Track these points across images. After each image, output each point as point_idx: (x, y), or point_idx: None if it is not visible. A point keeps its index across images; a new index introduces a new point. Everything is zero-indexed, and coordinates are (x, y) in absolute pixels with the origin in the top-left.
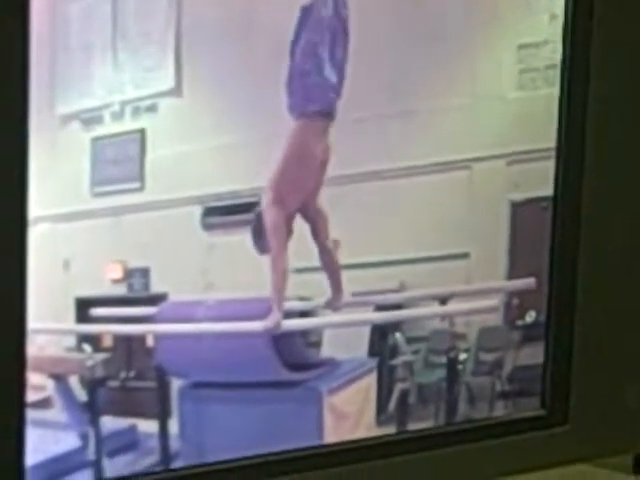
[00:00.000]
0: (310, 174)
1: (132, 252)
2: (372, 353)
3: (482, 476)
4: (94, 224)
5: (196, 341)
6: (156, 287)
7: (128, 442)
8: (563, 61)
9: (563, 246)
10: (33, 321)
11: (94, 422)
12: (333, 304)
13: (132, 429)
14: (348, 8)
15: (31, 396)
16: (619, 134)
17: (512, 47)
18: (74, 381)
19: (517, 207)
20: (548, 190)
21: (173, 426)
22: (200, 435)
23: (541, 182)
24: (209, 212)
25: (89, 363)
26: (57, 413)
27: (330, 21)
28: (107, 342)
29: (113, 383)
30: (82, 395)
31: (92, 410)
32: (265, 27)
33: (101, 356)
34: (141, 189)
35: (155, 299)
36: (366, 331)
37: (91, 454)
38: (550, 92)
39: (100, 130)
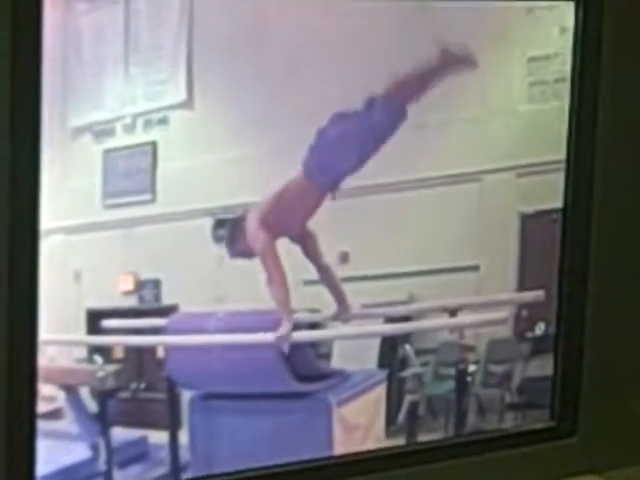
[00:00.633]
0: (298, 214)
1: (143, 264)
2: (382, 365)
3: None
4: (105, 236)
5: (206, 353)
6: (167, 299)
7: (138, 453)
8: (573, 74)
9: (572, 258)
10: (44, 332)
11: (105, 433)
12: (340, 316)
13: (142, 440)
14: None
15: (42, 407)
16: (628, 146)
17: (522, 60)
18: (85, 392)
19: (527, 219)
20: (558, 202)
21: (183, 437)
22: (210, 446)
23: (551, 194)
24: (220, 224)
25: (100, 374)
26: (68, 424)
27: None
28: (118, 353)
29: (124, 394)
30: (93, 406)
31: (103, 421)
32: (276, 40)
33: (112, 367)
34: (152, 201)
35: (166, 311)
36: (376, 343)
37: (102, 465)
38: (560, 105)
39: (112, 142)
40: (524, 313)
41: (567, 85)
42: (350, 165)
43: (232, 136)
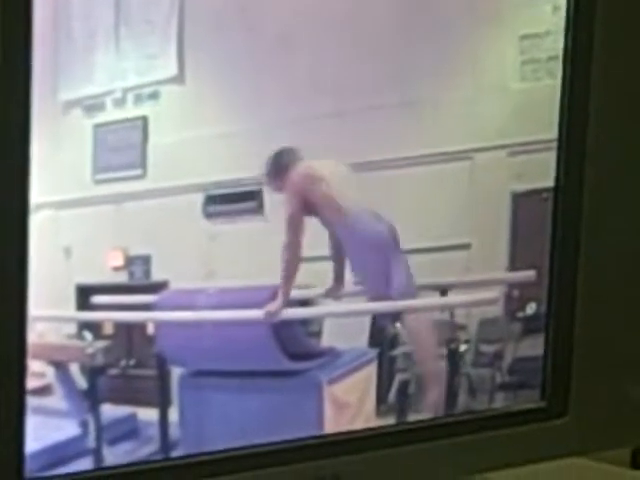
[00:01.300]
0: None
1: (133, 239)
2: (372, 343)
3: (481, 467)
4: (96, 211)
5: (196, 329)
6: (157, 275)
7: (128, 430)
8: (565, 52)
9: (564, 237)
10: (34, 308)
11: (94, 410)
12: (333, 293)
13: (132, 417)
14: None
15: (31, 383)
16: (621, 125)
17: (514, 38)
18: (74, 369)
19: (518, 198)
20: (549, 181)
21: (173, 414)
22: (200, 424)
23: (542, 173)
24: (211, 200)
25: (89, 351)
26: (57, 400)
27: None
28: (108, 330)
29: (113, 371)
30: (82, 383)
31: (92, 398)
32: (268, 15)
33: (102, 344)
34: (143, 176)
35: (156, 287)
36: (366, 321)
37: (91, 442)
38: (552, 83)
39: (102, 117)
40: (515, 293)
41: (559, 64)
42: None
43: (224, 111)
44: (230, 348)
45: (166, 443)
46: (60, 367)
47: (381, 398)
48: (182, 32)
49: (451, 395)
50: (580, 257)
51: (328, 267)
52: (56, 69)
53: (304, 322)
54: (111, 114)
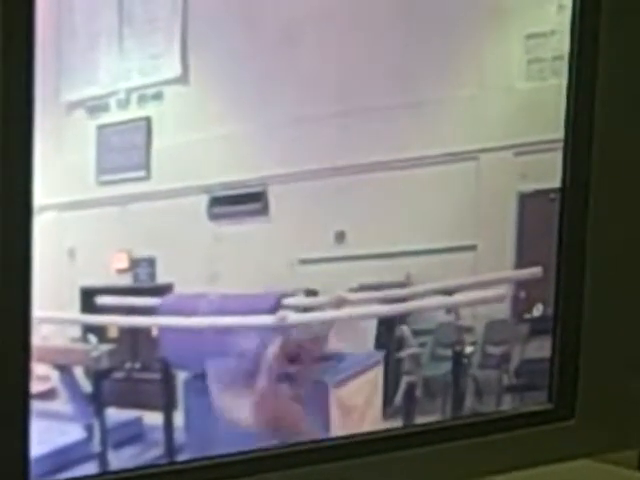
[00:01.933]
0: None
1: (138, 242)
2: (378, 346)
3: (488, 470)
4: (100, 213)
5: (201, 333)
6: (162, 277)
7: (133, 434)
8: (571, 52)
9: (571, 238)
10: (38, 311)
11: (99, 414)
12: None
13: (137, 421)
14: None
15: (35, 387)
16: (627, 125)
17: (520, 37)
18: (79, 372)
19: (525, 198)
20: (556, 181)
21: (178, 418)
22: (205, 427)
23: (549, 173)
24: (216, 202)
25: (94, 354)
26: (62, 404)
27: None
28: (112, 333)
29: (118, 374)
30: (87, 386)
31: (97, 401)
32: (272, 14)
33: (106, 347)
34: (147, 178)
35: (161, 289)
36: (372, 324)
37: (96, 446)
38: (558, 83)
39: (106, 118)
40: (522, 294)
41: (565, 63)
42: None
43: (228, 111)
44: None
45: (171, 447)
46: (64, 370)
47: (388, 401)
48: (186, 32)
49: (458, 397)
50: (587, 258)
51: (331, 269)
52: (59, 70)
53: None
54: (115, 115)
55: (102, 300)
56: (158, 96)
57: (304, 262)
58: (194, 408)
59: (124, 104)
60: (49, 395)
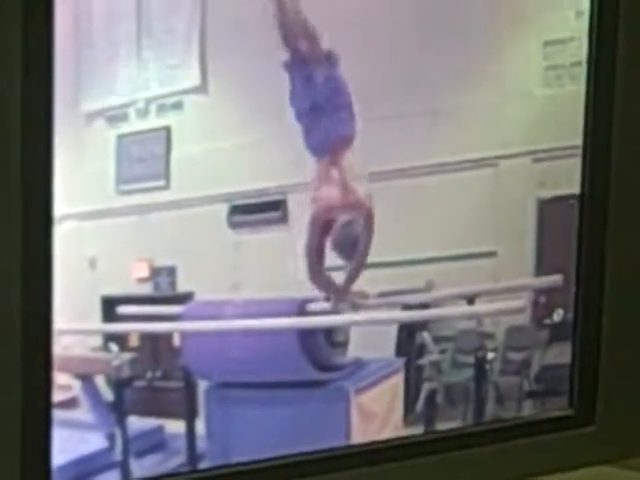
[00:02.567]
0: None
1: (158, 250)
2: (399, 353)
3: (509, 476)
4: (120, 222)
5: (222, 341)
6: (183, 286)
7: (155, 443)
8: (589, 58)
9: (590, 244)
10: (59, 320)
11: (121, 422)
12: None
13: (159, 429)
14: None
15: (57, 396)
16: None
17: (538, 44)
18: (100, 381)
19: (544, 205)
20: (575, 188)
21: (200, 426)
22: (227, 436)
23: (568, 180)
24: (235, 210)
25: (115, 363)
26: (83, 413)
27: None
28: (133, 342)
29: (139, 383)
30: (108, 395)
31: (119, 410)
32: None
33: (127, 356)
34: (167, 187)
35: (182, 298)
36: (393, 330)
37: (118, 455)
38: (576, 89)
39: (125, 128)
40: (542, 300)
41: (583, 70)
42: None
43: (247, 121)
44: (256, 359)
45: (193, 455)
46: (86, 380)
47: (409, 407)
48: (204, 41)
49: (479, 404)
50: (607, 263)
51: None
52: (78, 80)
53: (330, 332)
54: (134, 125)
55: (123, 309)
56: (177, 105)
57: (327, 270)
58: (216, 416)
59: (143, 114)
60: (71, 404)
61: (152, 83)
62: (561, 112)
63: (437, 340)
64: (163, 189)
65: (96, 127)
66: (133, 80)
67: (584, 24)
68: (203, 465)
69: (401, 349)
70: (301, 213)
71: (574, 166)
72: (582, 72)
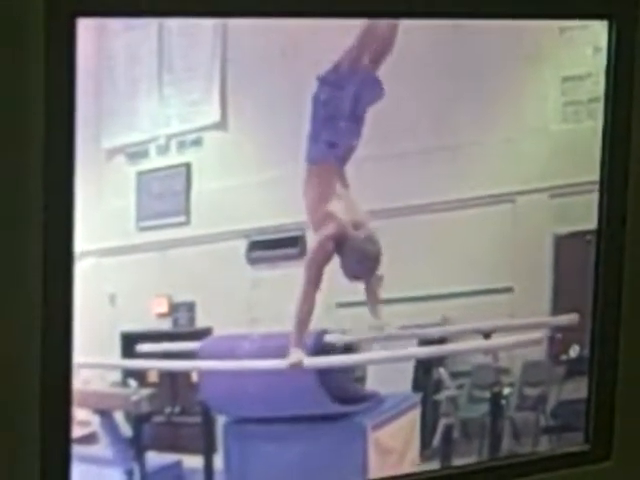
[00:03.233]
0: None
1: (178, 286)
2: (416, 388)
3: None
4: (140, 258)
5: (240, 377)
6: (201, 321)
7: (173, 477)
8: (606, 94)
9: (607, 280)
10: (79, 355)
11: (139, 458)
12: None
13: (177, 465)
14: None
15: (76, 431)
16: None
17: (556, 80)
18: (119, 416)
19: (561, 240)
20: (592, 223)
21: (218, 462)
22: (245, 471)
23: (585, 215)
24: (254, 246)
25: (134, 398)
26: (102, 449)
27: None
28: (152, 377)
29: (158, 418)
30: (127, 430)
31: (137, 445)
32: (309, 61)
33: (146, 391)
34: (187, 223)
35: (200, 334)
36: (410, 366)
37: None
38: (593, 125)
39: (146, 164)
40: (558, 335)
41: (601, 106)
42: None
43: (267, 157)
44: (274, 394)
45: None
46: (105, 415)
47: (425, 443)
48: (225, 78)
49: (495, 439)
50: (623, 299)
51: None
52: (99, 116)
53: (348, 367)
54: (154, 161)
55: (142, 347)
56: (198, 142)
57: (341, 305)
58: (233, 451)
59: (164, 150)
60: (89, 439)
61: (172, 120)
62: (578, 148)
63: (454, 375)
64: (184, 225)
65: (117, 164)
66: (154, 117)
67: (602, 60)
68: None
69: (418, 384)
70: None
71: (591, 202)
72: (599, 108)
